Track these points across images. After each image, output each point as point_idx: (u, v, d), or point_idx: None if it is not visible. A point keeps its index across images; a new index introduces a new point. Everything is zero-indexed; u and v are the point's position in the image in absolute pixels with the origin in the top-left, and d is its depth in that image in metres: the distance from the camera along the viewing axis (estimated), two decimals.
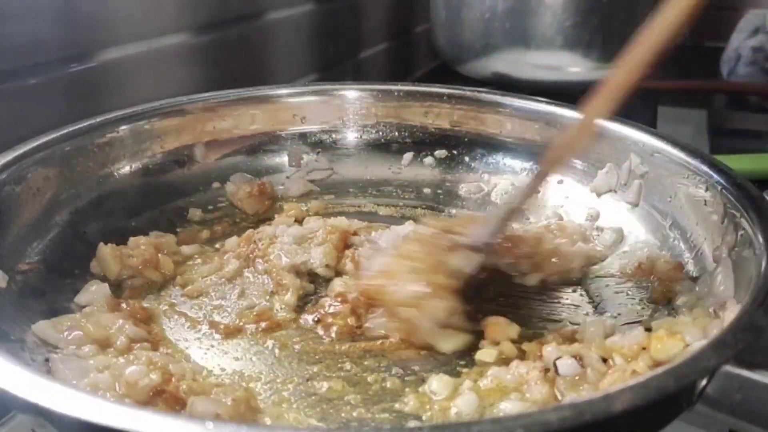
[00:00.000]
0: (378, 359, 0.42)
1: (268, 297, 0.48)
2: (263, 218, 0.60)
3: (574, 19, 0.85)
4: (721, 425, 0.32)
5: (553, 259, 0.51)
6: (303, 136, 0.67)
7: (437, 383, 0.39)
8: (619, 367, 0.37)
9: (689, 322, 0.39)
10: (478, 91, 0.66)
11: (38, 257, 0.47)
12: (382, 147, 0.68)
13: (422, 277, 0.43)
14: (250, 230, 0.54)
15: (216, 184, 0.62)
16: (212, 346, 0.44)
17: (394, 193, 0.66)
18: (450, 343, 0.43)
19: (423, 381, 0.40)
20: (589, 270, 0.52)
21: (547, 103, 0.63)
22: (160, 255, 0.51)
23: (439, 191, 0.66)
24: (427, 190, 0.66)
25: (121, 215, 0.55)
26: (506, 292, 0.50)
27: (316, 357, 0.43)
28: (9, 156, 0.47)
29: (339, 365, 0.42)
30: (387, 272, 0.45)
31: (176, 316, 0.47)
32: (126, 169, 0.57)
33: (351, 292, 0.47)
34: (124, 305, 0.45)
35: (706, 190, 0.48)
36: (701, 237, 0.48)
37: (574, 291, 0.50)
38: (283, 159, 0.66)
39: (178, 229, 0.57)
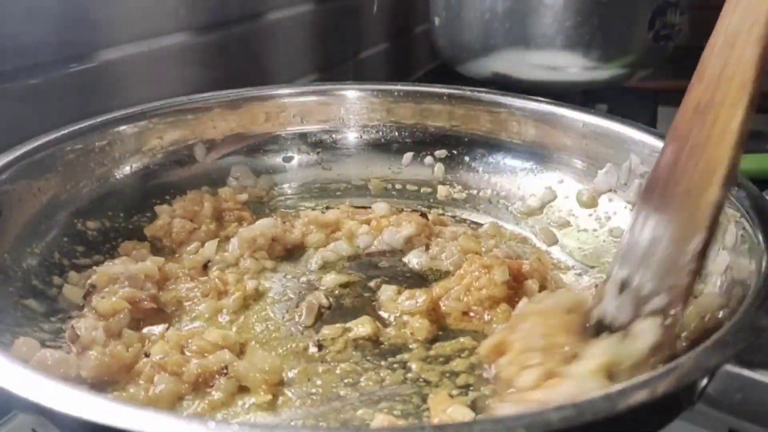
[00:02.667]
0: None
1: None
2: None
3: (574, 19, 0.85)
4: (722, 424, 0.32)
5: None
6: (303, 136, 0.67)
7: None
8: None
9: None
10: (478, 91, 0.66)
11: (39, 257, 0.47)
12: (383, 147, 0.68)
13: None
14: None
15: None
16: None
17: (394, 193, 0.66)
18: None
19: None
20: None
21: (547, 103, 0.63)
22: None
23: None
24: (427, 190, 0.66)
25: (121, 215, 0.55)
26: None
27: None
28: (9, 156, 0.48)
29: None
30: None
31: None
32: (126, 169, 0.57)
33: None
34: None
35: None
36: None
37: None
38: (283, 159, 0.67)
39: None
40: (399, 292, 0.49)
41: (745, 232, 0.42)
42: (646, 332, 0.34)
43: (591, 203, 0.58)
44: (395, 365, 0.42)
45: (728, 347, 0.30)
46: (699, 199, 0.36)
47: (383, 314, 0.47)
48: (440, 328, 0.46)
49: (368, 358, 0.43)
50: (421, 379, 0.41)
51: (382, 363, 0.42)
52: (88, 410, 0.26)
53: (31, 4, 0.54)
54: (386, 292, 0.49)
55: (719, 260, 0.43)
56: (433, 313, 0.47)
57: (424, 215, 0.60)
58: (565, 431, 0.24)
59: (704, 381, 0.29)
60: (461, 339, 0.44)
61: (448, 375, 0.41)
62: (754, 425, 0.30)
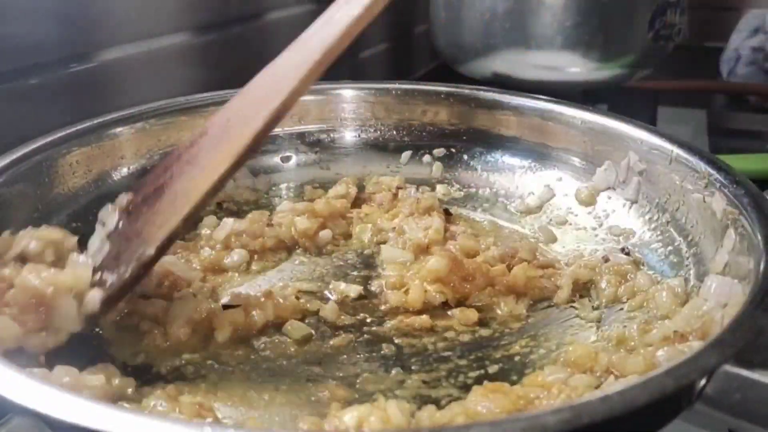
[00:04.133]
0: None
1: None
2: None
3: (574, 19, 0.84)
4: (721, 424, 0.32)
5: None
6: (301, 136, 0.67)
7: None
8: None
9: None
10: (476, 89, 0.66)
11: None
12: (381, 146, 0.68)
13: None
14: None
15: None
16: None
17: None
18: None
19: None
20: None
21: (546, 100, 0.63)
22: None
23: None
24: (425, 189, 0.66)
25: None
26: None
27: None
28: (9, 156, 0.48)
29: None
30: None
31: None
32: (126, 169, 0.57)
33: None
34: None
35: (705, 187, 0.48)
36: (700, 235, 0.48)
37: None
38: (281, 159, 0.66)
39: None
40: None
41: (744, 232, 0.42)
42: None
43: (590, 201, 0.58)
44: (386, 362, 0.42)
45: (727, 347, 0.30)
46: (169, 218, 0.40)
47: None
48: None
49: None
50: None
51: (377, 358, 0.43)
52: (85, 416, 0.25)
53: (31, 4, 0.54)
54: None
55: (718, 259, 0.43)
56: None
57: (447, 211, 0.60)
58: None
59: (703, 381, 0.29)
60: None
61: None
62: (753, 425, 0.30)
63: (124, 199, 0.45)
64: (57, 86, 0.58)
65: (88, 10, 0.60)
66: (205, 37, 0.74)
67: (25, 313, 0.36)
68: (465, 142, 0.66)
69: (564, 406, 0.25)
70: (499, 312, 0.47)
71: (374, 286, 0.50)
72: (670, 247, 0.50)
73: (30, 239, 0.41)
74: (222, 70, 0.77)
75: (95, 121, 0.55)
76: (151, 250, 0.39)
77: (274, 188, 0.65)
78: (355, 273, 0.52)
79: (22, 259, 0.40)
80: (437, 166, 0.66)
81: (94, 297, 0.39)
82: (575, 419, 0.24)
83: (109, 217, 0.45)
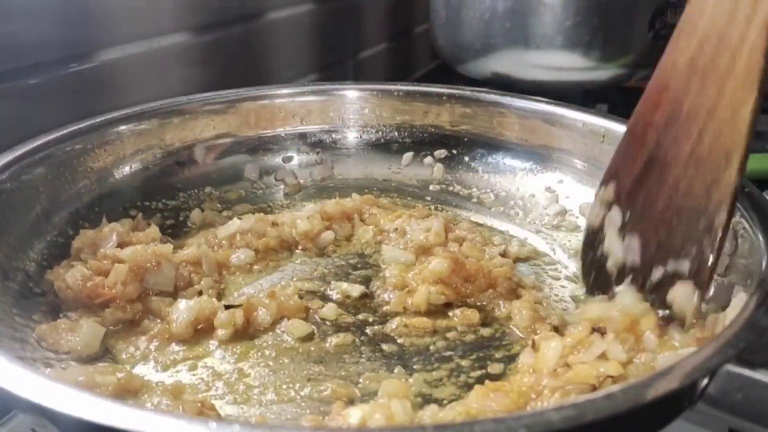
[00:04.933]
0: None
1: None
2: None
3: (574, 19, 0.84)
4: (722, 424, 0.32)
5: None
6: (303, 136, 0.67)
7: None
8: None
9: None
10: (478, 91, 0.66)
11: (38, 257, 0.47)
12: (382, 147, 0.68)
13: None
14: None
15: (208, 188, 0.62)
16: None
17: (394, 193, 0.66)
18: None
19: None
20: None
21: (547, 102, 0.63)
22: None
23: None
24: (429, 189, 0.66)
25: (121, 215, 0.55)
26: None
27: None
28: (9, 156, 0.48)
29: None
30: None
31: None
32: (126, 169, 0.57)
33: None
34: None
35: None
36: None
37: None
38: (283, 159, 0.67)
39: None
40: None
41: (745, 232, 0.42)
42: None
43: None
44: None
45: (729, 347, 0.30)
46: (717, 176, 0.38)
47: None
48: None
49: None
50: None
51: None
52: (88, 410, 0.26)
53: (31, 4, 0.54)
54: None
55: (720, 261, 0.43)
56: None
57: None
58: (566, 431, 0.24)
59: (705, 381, 0.29)
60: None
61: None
62: (754, 425, 0.30)
63: (608, 192, 0.45)
64: (57, 86, 0.58)
65: (88, 10, 0.60)
66: (205, 37, 0.74)
67: (128, 282, 0.44)
68: (466, 143, 0.66)
69: (568, 403, 0.25)
70: (500, 312, 0.47)
71: (375, 286, 0.50)
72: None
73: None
74: (222, 70, 0.77)
75: (99, 119, 0.56)
76: (723, 215, 0.38)
77: (275, 188, 0.65)
78: (356, 273, 0.52)
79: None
80: (438, 168, 0.66)
81: None
82: (579, 417, 0.24)
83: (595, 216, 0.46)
